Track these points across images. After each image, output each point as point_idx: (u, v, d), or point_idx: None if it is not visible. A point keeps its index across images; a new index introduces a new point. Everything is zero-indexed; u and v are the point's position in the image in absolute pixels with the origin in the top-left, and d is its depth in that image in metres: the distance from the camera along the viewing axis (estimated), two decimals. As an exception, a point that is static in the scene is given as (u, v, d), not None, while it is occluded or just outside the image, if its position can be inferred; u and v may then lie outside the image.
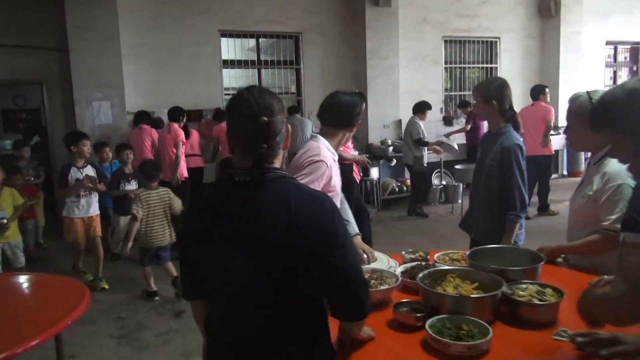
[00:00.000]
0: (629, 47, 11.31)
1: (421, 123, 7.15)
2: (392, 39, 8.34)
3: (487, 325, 1.53)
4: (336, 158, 2.31)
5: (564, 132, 2.41)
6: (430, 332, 1.51)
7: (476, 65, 9.77)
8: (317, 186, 2.11)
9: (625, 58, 11.52)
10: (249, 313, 1.35)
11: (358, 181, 5.09)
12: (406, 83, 8.72)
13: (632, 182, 1.94)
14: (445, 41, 9.27)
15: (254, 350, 1.36)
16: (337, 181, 2.28)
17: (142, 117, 6.46)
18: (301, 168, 2.16)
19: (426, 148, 7.18)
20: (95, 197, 4.76)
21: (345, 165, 4.77)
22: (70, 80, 6.72)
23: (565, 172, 9.82)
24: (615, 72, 11.40)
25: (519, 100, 9.68)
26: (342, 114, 2.31)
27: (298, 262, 1.29)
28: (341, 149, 4.64)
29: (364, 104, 2.36)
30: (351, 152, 4.85)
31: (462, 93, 9.65)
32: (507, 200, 2.62)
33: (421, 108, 7.24)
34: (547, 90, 7.17)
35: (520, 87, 9.79)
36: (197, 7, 7.54)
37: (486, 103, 2.67)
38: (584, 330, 1.47)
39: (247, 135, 1.33)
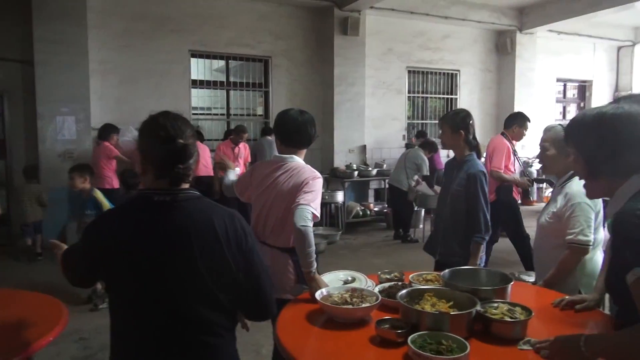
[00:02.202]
0: (577, 84, 12.11)
1: (426, 159, 7.21)
2: (359, 67, 8.61)
3: (464, 341, 1.64)
4: None
5: (538, 157, 2.68)
6: (412, 347, 1.60)
7: (438, 96, 10.19)
8: (319, 199, 2.25)
9: (574, 95, 12.31)
10: (164, 327, 1.43)
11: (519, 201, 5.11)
12: (371, 110, 8.99)
13: (589, 201, 2.20)
14: (409, 71, 9.65)
15: None
16: None
17: (101, 133, 6.52)
18: (306, 185, 2.25)
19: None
20: None
21: (502, 187, 4.84)
22: (33, 93, 6.57)
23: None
24: (564, 108, 12.16)
25: (477, 130, 10.13)
26: (307, 135, 2.41)
27: (224, 274, 1.41)
28: (502, 170, 4.82)
29: None
30: (512, 174, 4.97)
31: (423, 122, 10.01)
32: (472, 224, 2.79)
33: (430, 147, 7.40)
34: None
35: (478, 118, 10.27)
36: (168, 26, 7.56)
37: (454, 132, 2.87)
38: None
39: (164, 157, 1.40)
